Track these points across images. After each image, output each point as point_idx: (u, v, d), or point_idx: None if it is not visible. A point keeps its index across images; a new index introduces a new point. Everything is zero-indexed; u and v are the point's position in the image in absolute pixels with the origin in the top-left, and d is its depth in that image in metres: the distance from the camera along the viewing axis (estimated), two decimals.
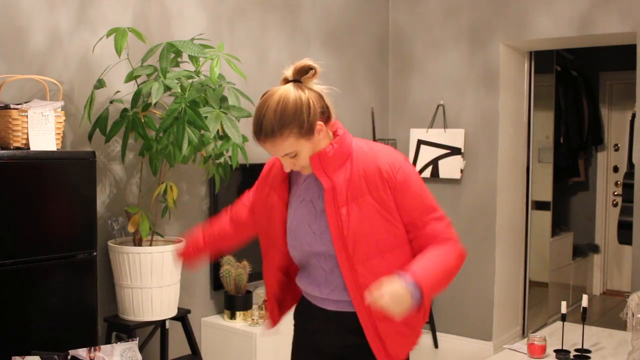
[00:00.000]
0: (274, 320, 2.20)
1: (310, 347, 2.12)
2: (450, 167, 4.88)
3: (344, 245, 1.90)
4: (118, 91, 3.25)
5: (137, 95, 3.00)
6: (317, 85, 1.89)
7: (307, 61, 1.86)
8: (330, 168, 1.90)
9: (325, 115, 1.89)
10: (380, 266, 1.91)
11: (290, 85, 1.85)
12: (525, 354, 3.09)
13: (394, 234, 1.92)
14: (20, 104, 2.71)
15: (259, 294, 3.85)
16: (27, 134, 2.65)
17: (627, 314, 3.07)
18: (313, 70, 1.86)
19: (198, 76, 3.15)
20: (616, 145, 6.72)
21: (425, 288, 1.78)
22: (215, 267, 3.76)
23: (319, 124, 1.86)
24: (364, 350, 1.99)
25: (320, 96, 1.88)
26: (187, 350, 3.47)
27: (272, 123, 1.81)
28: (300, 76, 1.86)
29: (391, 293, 1.75)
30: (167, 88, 2.93)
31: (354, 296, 1.93)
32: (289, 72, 1.88)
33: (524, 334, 5.10)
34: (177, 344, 3.53)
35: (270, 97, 1.84)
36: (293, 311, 2.21)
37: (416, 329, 2.05)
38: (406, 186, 1.90)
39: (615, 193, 6.71)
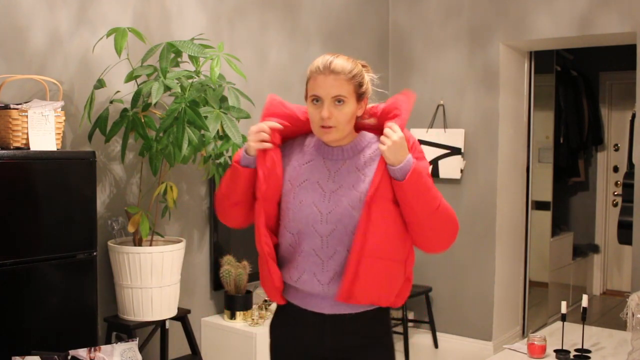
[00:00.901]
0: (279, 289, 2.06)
1: (296, 354, 2.07)
2: (450, 167, 4.88)
3: (364, 232, 1.90)
4: (118, 91, 3.25)
5: (137, 95, 3.00)
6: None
7: (365, 63, 2.05)
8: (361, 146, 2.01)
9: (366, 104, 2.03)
10: (380, 269, 1.95)
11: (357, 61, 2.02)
12: (525, 354, 3.09)
13: (404, 243, 1.98)
14: (20, 104, 2.71)
15: (259, 294, 3.85)
16: (27, 134, 2.65)
17: (627, 314, 3.07)
18: (367, 69, 2.03)
19: (198, 76, 3.15)
20: (616, 145, 6.72)
21: (415, 171, 1.89)
22: (215, 267, 3.76)
23: (366, 101, 2.00)
24: (362, 351, 2.00)
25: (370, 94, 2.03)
26: (187, 350, 3.47)
27: (344, 64, 1.93)
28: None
29: (398, 144, 1.89)
30: (167, 88, 2.93)
31: (346, 280, 1.91)
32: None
33: (524, 334, 5.10)
34: (177, 344, 3.53)
35: (339, 54, 1.98)
36: (269, 324, 2.16)
37: (393, 287, 2.01)
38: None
39: (615, 193, 6.71)
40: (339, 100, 1.91)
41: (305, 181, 2.00)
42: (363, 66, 2.02)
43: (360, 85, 1.95)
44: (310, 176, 2.01)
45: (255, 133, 1.98)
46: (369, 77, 2.00)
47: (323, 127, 1.94)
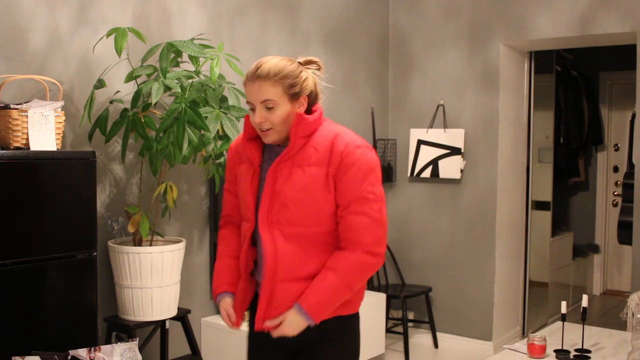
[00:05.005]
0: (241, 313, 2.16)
1: (268, 345, 2.14)
2: (450, 167, 4.88)
3: (269, 204, 1.99)
4: (118, 91, 3.25)
5: (137, 95, 3.00)
6: (317, 75, 2.07)
7: (315, 58, 2.08)
8: (300, 133, 2.00)
9: (312, 98, 2.05)
10: (296, 237, 1.99)
11: (295, 61, 2.04)
12: (525, 354, 3.09)
13: (322, 211, 1.98)
14: (20, 104, 2.71)
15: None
16: (27, 134, 2.65)
17: (627, 314, 3.06)
18: (317, 65, 2.07)
19: (198, 76, 3.15)
20: (616, 145, 6.72)
21: (316, 315, 1.97)
22: None
23: (304, 98, 2.02)
24: (318, 343, 2.06)
25: (315, 83, 2.06)
26: (187, 350, 3.47)
27: (270, 68, 1.96)
28: (305, 64, 2.06)
29: (287, 323, 1.98)
30: (167, 88, 2.93)
31: (267, 258, 1.98)
32: (298, 59, 2.07)
33: (524, 334, 5.10)
34: (177, 344, 3.53)
35: (275, 56, 2.03)
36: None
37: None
38: (350, 167, 1.96)
39: (615, 193, 6.71)
40: (268, 106, 1.96)
41: (264, 179, 2.07)
42: (308, 62, 2.05)
43: (292, 85, 1.97)
44: (265, 174, 2.08)
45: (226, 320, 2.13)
46: (307, 74, 2.02)
47: (261, 130, 2.01)
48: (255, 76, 1.96)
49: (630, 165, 4.85)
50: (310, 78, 2.03)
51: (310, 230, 1.99)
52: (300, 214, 1.98)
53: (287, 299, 1.99)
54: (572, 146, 6.25)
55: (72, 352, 2.63)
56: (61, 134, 2.80)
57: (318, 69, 2.07)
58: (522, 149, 5.08)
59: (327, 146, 1.98)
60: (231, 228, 2.24)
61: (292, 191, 1.97)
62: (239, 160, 2.15)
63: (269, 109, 1.96)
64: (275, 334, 2.00)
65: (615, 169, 6.73)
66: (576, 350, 3.08)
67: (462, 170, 4.86)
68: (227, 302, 2.13)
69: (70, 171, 2.72)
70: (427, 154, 4.97)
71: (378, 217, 1.98)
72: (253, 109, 1.99)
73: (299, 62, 2.04)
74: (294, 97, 1.98)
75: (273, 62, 1.98)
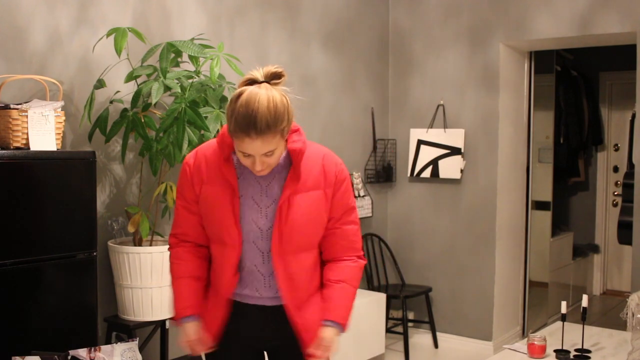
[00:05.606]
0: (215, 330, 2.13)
1: (236, 346, 2.14)
2: (450, 167, 4.88)
3: (279, 233, 1.97)
4: (118, 91, 3.25)
5: (137, 95, 3.00)
6: (286, 89, 1.93)
7: (278, 68, 1.91)
8: (298, 160, 1.99)
9: None
10: (305, 260, 2.04)
11: (269, 87, 1.88)
12: (525, 354, 3.09)
13: (322, 231, 2.05)
14: (20, 104, 2.71)
15: None
16: (27, 134, 2.65)
17: (627, 314, 3.06)
18: (283, 76, 1.91)
19: (198, 76, 3.15)
20: (616, 145, 6.72)
21: (347, 325, 2.11)
22: None
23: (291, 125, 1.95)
24: (296, 341, 2.07)
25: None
26: (187, 350, 3.47)
27: (267, 119, 1.82)
28: (271, 79, 1.90)
29: (329, 342, 2.05)
30: (167, 88, 2.93)
31: (283, 286, 2.01)
32: (259, 74, 1.90)
33: (524, 334, 5.10)
34: (177, 344, 3.52)
35: (257, 95, 1.84)
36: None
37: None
38: (341, 183, 2.06)
39: (615, 193, 6.71)
40: (268, 155, 1.89)
41: (241, 197, 2.00)
42: (272, 77, 1.88)
43: (285, 125, 1.88)
44: (245, 192, 2.01)
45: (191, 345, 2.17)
46: (287, 103, 1.88)
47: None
48: (256, 132, 1.82)
49: (630, 165, 4.85)
50: (289, 105, 1.90)
51: (315, 252, 2.07)
52: (308, 238, 2.02)
53: (313, 322, 2.06)
54: (572, 146, 6.25)
55: (72, 352, 2.63)
56: (61, 134, 2.80)
57: (281, 81, 1.91)
58: (522, 149, 5.08)
59: (319, 169, 2.02)
60: (187, 247, 2.14)
61: (301, 218, 1.97)
62: (201, 179, 2.03)
63: (269, 156, 1.90)
64: (323, 357, 2.06)
65: (615, 169, 6.74)
66: (576, 350, 3.08)
67: (462, 170, 4.86)
68: (195, 327, 2.15)
69: (70, 171, 2.72)
70: (427, 154, 4.97)
71: (359, 222, 2.15)
72: (249, 156, 1.89)
73: (266, 82, 1.88)
74: (287, 132, 1.92)
75: (264, 108, 1.82)
